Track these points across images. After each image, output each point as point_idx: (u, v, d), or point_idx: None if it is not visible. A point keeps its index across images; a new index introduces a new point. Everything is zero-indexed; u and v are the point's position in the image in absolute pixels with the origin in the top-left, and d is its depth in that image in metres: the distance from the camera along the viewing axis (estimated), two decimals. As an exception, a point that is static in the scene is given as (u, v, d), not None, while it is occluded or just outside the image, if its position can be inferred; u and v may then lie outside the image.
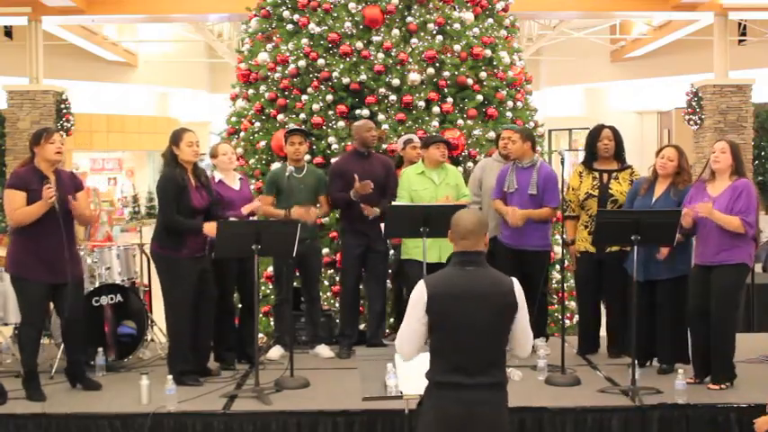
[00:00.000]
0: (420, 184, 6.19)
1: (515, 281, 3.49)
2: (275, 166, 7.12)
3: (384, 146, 7.17)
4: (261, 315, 6.93)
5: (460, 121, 7.45)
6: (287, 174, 5.95)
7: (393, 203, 6.03)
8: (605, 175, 6.06)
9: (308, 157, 7.17)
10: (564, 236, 5.98)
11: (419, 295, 3.42)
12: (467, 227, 3.45)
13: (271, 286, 7.15)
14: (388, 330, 6.70)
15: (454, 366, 3.38)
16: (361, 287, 6.54)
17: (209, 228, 5.33)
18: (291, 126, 6.55)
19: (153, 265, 5.77)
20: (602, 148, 6.08)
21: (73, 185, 5.35)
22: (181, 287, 5.40)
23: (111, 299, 6.05)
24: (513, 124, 7.19)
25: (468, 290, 3.39)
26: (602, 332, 6.31)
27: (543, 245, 6.16)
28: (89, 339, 5.74)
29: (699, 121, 14.45)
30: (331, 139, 7.30)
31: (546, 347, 6.05)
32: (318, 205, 6.30)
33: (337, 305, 6.83)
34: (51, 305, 5.61)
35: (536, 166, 6.10)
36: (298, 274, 6.36)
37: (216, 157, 6.07)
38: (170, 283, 5.46)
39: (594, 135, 6.14)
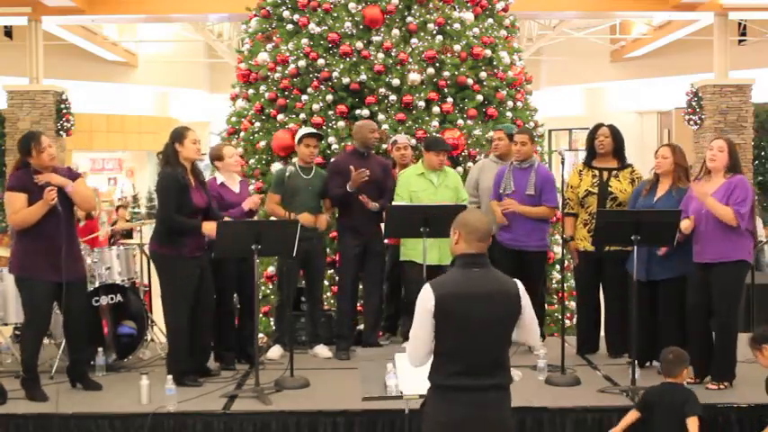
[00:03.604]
0: (419, 185, 6.19)
1: (519, 283, 3.47)
2: (276, 166, 7.12)
3: (384, 146, 7.16)
4: (261, 315, 6.93)
5: (460, 121, 7.44)
6: (292, 172, 5.92)
7: (393, 203, 6.03)
8: (605, 173, 6.08)
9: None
10: (563, 234, 5.98)
11: (426, 301, 3.33)
12: (485, 229, 3.43)
13: (271, 286, 7.15)
14: (381, 332, 6.66)
15: (462, 369, 3.34)
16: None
17: (209, 228, 5.30)
18: (309, 129, 6.43)
19: (152, 265, 5.76)
20: (598, 144, 6.13)
21: (71, 178, 5.32)
22: (180, 286, 5.38)
23: (111, 299, 6.06)
24: (509, 124, 7.14)
25: (475, 291, 3.36)
26: (602, 332, 6.31)
27: (541, 245, 6.20)
28: (89, 339, 5.71)
29: (699, 122, 14.45)
30: (331, 139, 7.30)
31: (545, 347, 6.05)
32: (324, 210, 6.27)
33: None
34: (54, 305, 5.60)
35: (534, 167, 6.14)
36: (301, 273, 6.32)
37: (221, 160, 6.02)
38: (169, 283, 5.43)
39: (593, 132, 6.22)
